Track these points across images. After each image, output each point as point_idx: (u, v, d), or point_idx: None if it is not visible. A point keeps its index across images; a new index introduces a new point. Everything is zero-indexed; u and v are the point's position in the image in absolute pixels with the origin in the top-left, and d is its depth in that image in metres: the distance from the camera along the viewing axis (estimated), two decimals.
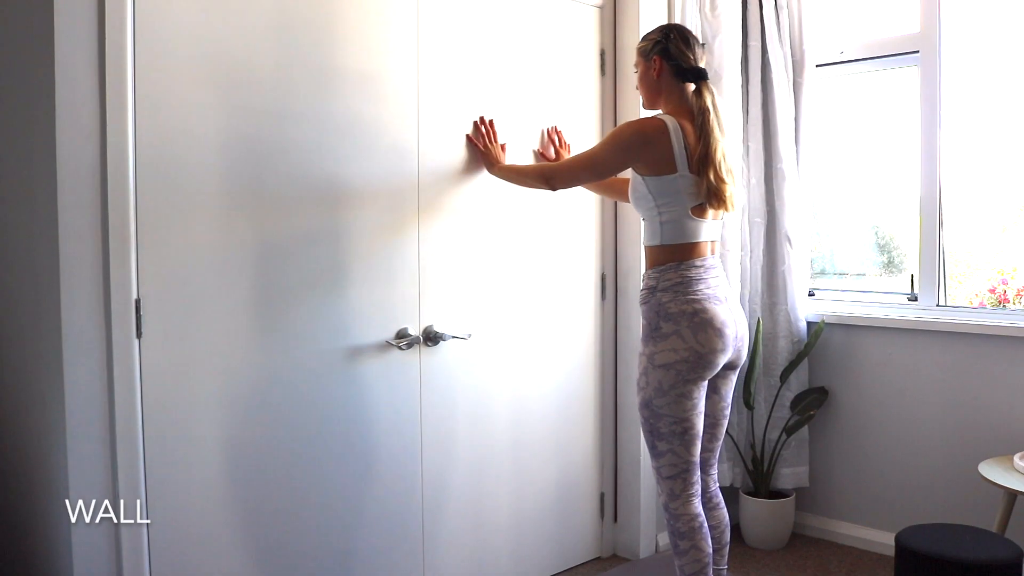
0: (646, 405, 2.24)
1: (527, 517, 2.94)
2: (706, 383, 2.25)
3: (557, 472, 3.03)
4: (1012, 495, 2.67)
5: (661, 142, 2.18)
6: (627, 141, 2.24)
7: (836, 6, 3.51)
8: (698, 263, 2.24)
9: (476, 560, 2.79)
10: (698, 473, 2.29)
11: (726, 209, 2.23)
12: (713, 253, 2.30)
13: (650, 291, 2.26)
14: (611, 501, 3.25)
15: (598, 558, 3.22)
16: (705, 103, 2.22)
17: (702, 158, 2.17)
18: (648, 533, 3.22)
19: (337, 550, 2.42)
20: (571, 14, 3.00)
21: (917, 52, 3.25)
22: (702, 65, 2.30)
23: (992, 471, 2.70)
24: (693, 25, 3.22)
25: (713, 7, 3.24)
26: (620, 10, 3.14)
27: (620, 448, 3.24)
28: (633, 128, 2.23)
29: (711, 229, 2.29)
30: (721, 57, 3.24)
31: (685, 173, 2.18)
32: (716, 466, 2.46)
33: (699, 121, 2.20)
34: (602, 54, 3.12)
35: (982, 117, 3.29)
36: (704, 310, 2.19)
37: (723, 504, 2.49)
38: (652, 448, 2.28)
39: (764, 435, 3.39)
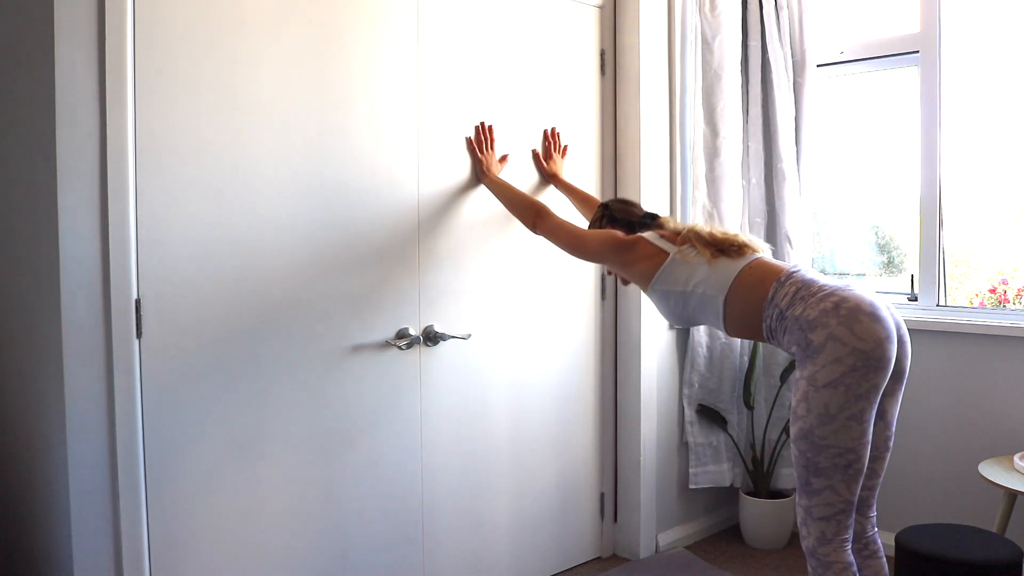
0: (804, 437, 1.90)
1: (527, 517, 2.94)
2: (878, 401, 1.92)
3: (557, 472, 3.03)
4: (1012, 495, 2.66)
5: (640, 243, 2.25)
6: (611, 239, 2.31)
7: (836, 6, 3.51)
8: (790, 270, 2.03)
9: (476, 560, 2.79)
10: (853, 515, 1.97)
11: (744, 248, 2.13)
12: (790, 269, 2.06)
13: (780, 319, 1.99)
14: (611, 501, 3.25)
15: (598, 558, 3.22)
16: (668, 227, 2.28)
17: (686, 239, 2.18)
18: (648, 533, 3.22)
19: (337, 550, 2.42)
20: (571, 14, 3.00)
21: (917, 52, 3.25)
22: (646, 212, 2.40)
23: (992, 471, 2.70)
24: (693, 25, 3.22)
25: (713, 7, 3.24)
26: (620, 10, 3.14)
27: (620, 448, 3.24)
28: (616, 235, 2.31)
29: (752, 254, 2.14)
30: (721, 57, 3.24)
31: (674, 249, 2.18)
32: (874, 507, 2.11)
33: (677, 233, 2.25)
34: (602, 54, 3.12)
35: (982, 117, 3.29)
36: (845, 299, 1.89)
37: (882, 551, 2.12)
38: (806, 485, 1.94)
39: (764, 435, 3.39)
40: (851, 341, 1.85)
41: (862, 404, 1.87)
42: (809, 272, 2.06)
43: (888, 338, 1.88)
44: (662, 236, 2.24)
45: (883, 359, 1.87)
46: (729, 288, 2.08)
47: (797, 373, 1.95)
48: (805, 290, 1.96)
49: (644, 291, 2.28)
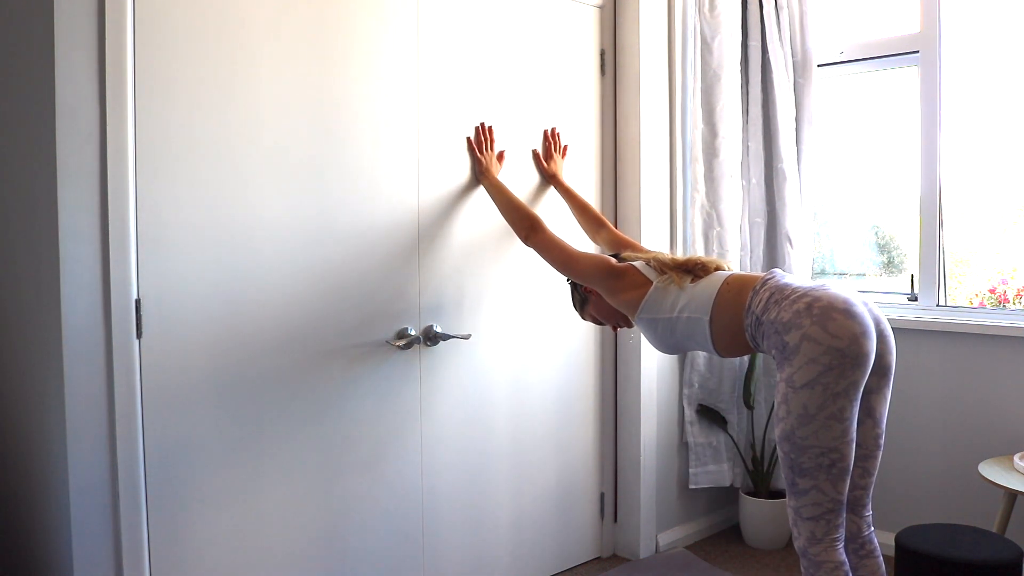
0: (787, 438, 1.91)
1: (527, 517, 2.94)
2: (859, 399, 1.92)
3: (557, 472, 3.03)
4: (1012, 495, 2.66)
5: (631, 271, 2.27)
6: (603, 263, 2.32)
7: (836, 6, 3.51)
8: (765, 277, 2.07)
9: (476, 560, 2.79)
10: (844, 514, 1.97)
11: (708, 264, 2.20)
12: (765, 277, 2.09)
13: (757, 325, 2.02)
14: (611, 501, 3.25)
15: (598, 558, 3.22)
16: (630, 254, 2.38)
17: (660, 268, 2.24)
18: (648, 533, 3.22)
19: (337, 550, 2.42)
20: (571, 14, 3.00)
21: (917, 52, 3.25)
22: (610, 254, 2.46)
23: (992, 471, 2.70)
24: (692, 25, 3.22)
25: (712, 7, 3.24)
26: (620, 10, 3.14)
27: (620, 448, 3.24)
28: (610, 261, 2.34)
29: (720, 270, 2.20)
30: (721, 57, 3.24)
31: (656, 278, 2.21)
32: (869, 506, 2.10)
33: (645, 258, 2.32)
34: (602, 54, 3.12)
35: (982, 117, 3.29)
36: (817, 298, 1.90)
37: (879, 551, 2.11)
38: (792, 486, 1.94)
39: (764, 435, 3.39)
40: (825, 340, 1.86)
41: (841, 402, 1.87)
42: (785, 277, 2.08)
43: (864, 334, 1.87)
44: (648, 265, 2.26)
45: (859, 355, 1.87)
46: (712, 307, 2.10)
47: (777, 376, 1.96)
48: (779, 294, 1.99)
49: (631, 320, 2.31)
